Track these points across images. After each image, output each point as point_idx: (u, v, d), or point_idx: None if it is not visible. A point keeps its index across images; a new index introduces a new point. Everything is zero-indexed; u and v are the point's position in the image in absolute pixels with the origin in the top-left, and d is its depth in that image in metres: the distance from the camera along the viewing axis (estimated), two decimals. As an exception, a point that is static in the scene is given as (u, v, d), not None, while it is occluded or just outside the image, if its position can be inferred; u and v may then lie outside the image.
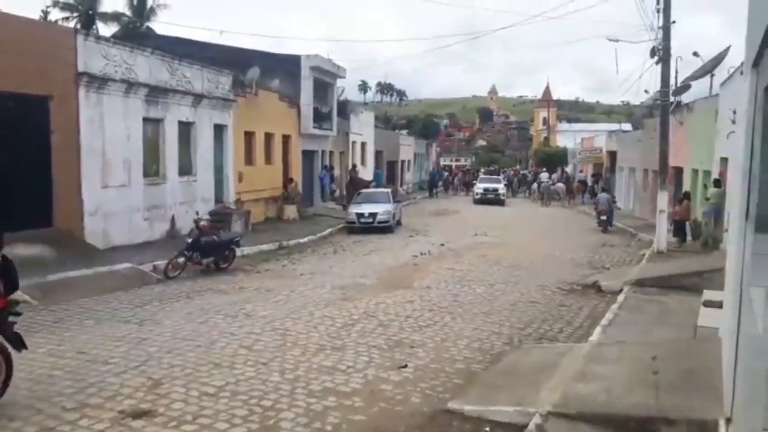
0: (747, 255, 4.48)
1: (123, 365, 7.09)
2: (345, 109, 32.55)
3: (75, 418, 5.67)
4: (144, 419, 5.69)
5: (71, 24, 34.85)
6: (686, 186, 20.12)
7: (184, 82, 17.64)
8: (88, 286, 11.17)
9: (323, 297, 10.93)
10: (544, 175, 42.58)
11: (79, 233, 13.72)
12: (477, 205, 34.09)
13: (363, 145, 35.85)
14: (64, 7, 37.13)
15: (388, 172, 40.98)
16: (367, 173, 34.19)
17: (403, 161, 45.89)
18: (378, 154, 39.14)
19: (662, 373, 6.39)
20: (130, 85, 15.21)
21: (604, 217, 23.55)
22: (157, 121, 16.70)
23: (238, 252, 14.51)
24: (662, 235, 16.57)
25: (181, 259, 12.91)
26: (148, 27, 37.82)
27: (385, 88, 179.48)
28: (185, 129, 17.90)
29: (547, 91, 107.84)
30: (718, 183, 15.97)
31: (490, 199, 34.76)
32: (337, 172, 30.55)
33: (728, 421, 4.82)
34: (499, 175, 50.04)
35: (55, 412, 5.77)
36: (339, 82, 30.40)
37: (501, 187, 36.70)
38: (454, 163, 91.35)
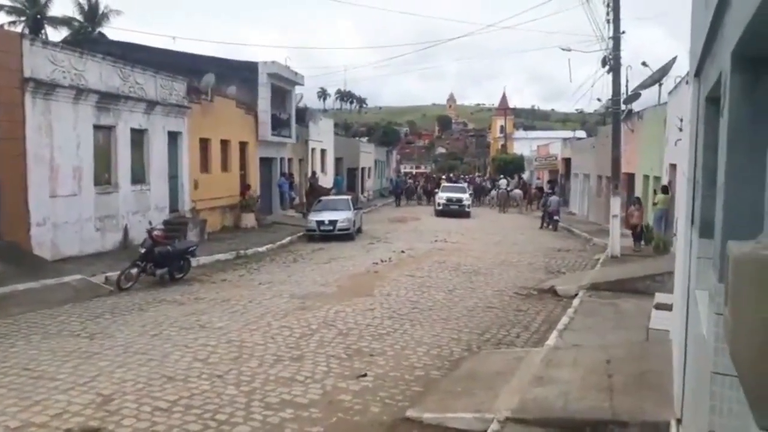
0: (693, 259, 4.61)
1: (71, 381, 6.83)
2: (304, 116, 32.34)
3: (19, 439, 5.43)
4: (92, 437, 5.49)
5: (18, 28, 33.72)
6: (638, 192, 20.72)
7: (136, 88, 17.23)
8: (35, 300, 10.76)
9: (281, 307, 10.79)
10: (502, 182, 43.17)
11: (26, 245, 13.21)
12: (439, 218, 30.69)
13: (323, 152, 35.70)
14: (11, 11, 35.94)
15: (349, 179, 40.88)
16: (327, 180, 34.05)
17: (363, 168, 45.86)
18: (338, 161, 39.03)
19: (616, 376, 6.52)
20: (80, 92, 14.77)
21: (556, 218, 25.99)
22: (109, 128, 16.25)
23: (194, 262, 14.20)
24: (616, 239, 16.99)
25: (134, 270, 12.56)
26: (100, 32, 36.92)
27: (344, 96, 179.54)
28: (138, 136, 17.48)
29: (503, 99, 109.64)
30: (666, 189, 16.53)
31: (453, 211, 31.28)
32: (296, 179, 30.32)
33: (678, 422, 4.94)
34: (463, 182, 45.95)
35: (-4, 433, 5.52)
36: (298, 89, 30.23)
37: (466, 197, 33.07)
38: (414, 170, 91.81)
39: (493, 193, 40.84)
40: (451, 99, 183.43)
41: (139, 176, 17.49)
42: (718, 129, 3.38)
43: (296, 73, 28.63)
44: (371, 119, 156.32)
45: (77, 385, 6.71)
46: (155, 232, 13.25)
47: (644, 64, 21.58)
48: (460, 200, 32.26)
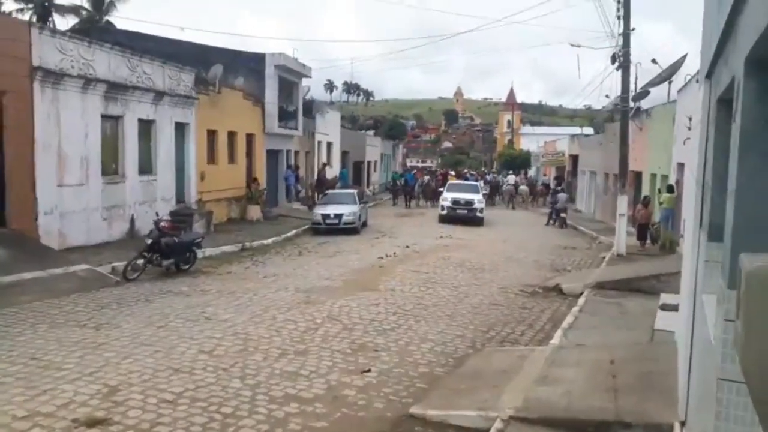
0: (700, 262, 4.60)
1: (78, 371, 6.87)
2: (311, 108, 32.33)
3: (26, 428, 5.48)
4: (98, 428, 5.54)
5: (26, 16, 33.75)
6: (645, 190, 20.63)
7: (144, 78, 17.25)
8: (42, 289, 10.82)
9: (286, 300, 10.82)
10: (510, 178, 42.90)
11: (34, 233, 13.27)
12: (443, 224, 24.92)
13: (329, 145, 35.70)
14: (18, -1, 35.93)
15: (355, 172, 40.82)
16: (333, 174, 34.06)
17: (369, 162, 45.83)
18: (344, 154, 39.01)
19: (620, 376, 6.52)
20: (88, 81, 14.80)
21: (564, 215, 25.68)
22: (117, 119, 16.28)
23: (200, 253, 14.26)
24: (622, 238, 16.94)
25: (141, 261, 12.61)
26: (107, 21, 36.92)
27: (351, 88, 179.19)
28: (145, 127, 17.51)
29: (511, 94, 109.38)
30: (671, 188, 16.47)
31: (461, 216, 25.47)
32: (302, 171, 30.33)
33: (682, 424, 4.94)
34: (477, 180, 38.33)
35: (5, 421, 5.56)
36: (305, 81, 30.21)
37: (478, 199, 26.61)
38: (420, 164, 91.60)
39: (504, 188, 39.02)
40: (459, 93, 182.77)
41: (146, 167, 17.54)
42: (729, 132, 3.36)
43: (304, 65, 28.58)
44: (378, 112, 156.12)
45: (84, 376, 6.76)
46: (162, 223, 13.28)
47: (654, 61, 21.47)
48: (470, 203, 26.07)
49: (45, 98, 13.60)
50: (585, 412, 5.66)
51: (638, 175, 21.94)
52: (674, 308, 8.04)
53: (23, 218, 13.11)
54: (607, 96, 26.40)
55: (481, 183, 36.01)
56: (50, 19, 35.62)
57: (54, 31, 15.78)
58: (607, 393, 6.03)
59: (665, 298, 9.53)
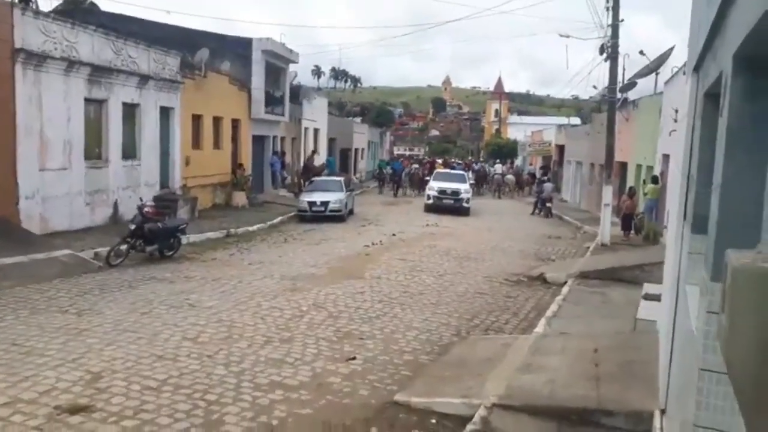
0: (683, 253, 4.64)
1: (60, 358, 6.81)
2: (298, 94, 32.08)
3: (7, 414, 5.42)
4: (81, 414, 5.49)
5: (8, -4, 33.02)
6: (630, 181, 20.80)
7: (129, 62, 16.99)
8: (23, 274, 10.69)
9: (272, 287, 10.79)
10: (498, 167, 42.98)
11: (15, 218, 13.08)
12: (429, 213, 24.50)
13: (316, 131, 35.48)
14: (1, -22, 35.15)
15: (342, 159, 40.62)
16: (319, 161, 33.90)
17: (356, 149, 45.64)
18: (331, 141, 38.79)
19: (603, 365, 6.59)
20: (71, 64, 14.54)
21: (549, 204, 25.87)
22: (100, 102, 16.05)
23: (184, 239, 14.14)
24: (606, 228, 17.08)
25: (124, 246, 12.50)
26: (91, 2, 36.21)
27: (339, 74, 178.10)
28: (130, 111, 17.27)
29: (499, 83, 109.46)
30: (656, 179, 16.61)
31: (448, 206, 25.05)
32: (289, 158, 30.14)
33: (663, 412, 5.01)
34: (464, 169, 37.43)
35: (-16, 409, 5.51)
36: (292, 67, 29.94)
37: (465, 188, 26.26)
38: (407, 153, 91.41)
39: (493, 178, 38.83)
40: (447, 81, 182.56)
41: (130, 151, 17.32)
42: (715, 126, 3.37)
43: (291, 51, 28.30)
44: (365, 99, 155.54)
45: (66, 362, 6.70)
46: (146, 209, 13.14)
47: (641, 53, 21.58)
48: (456, 192, 25.62)
49: (27, 81, 13.35)
50: (568, 399, 5.72)
51: (624, 166, 22.11)
52: (657, 298, 8.13)
53: (4, 203, 12.90)
54: (594, 86, 26.49)
55: (469, 173, 35.74)
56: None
57: (37, 13, 15.45)
58: (590, 381, 6.10)
59: (648, 288, 9.62)
